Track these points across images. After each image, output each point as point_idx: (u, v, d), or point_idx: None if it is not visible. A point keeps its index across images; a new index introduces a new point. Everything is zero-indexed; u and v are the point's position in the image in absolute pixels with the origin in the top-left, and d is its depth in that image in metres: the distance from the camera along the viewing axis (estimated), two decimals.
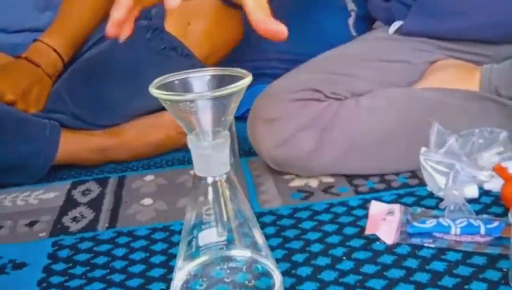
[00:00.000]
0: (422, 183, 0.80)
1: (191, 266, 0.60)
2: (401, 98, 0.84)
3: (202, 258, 0.60)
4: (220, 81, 0.52)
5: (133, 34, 0.54)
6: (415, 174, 0.83)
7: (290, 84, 0.81)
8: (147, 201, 0.83)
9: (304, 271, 0.63)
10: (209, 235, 0.58)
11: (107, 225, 0.77)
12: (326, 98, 0.82)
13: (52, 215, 0.81)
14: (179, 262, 0.58)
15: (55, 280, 0.65)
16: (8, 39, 1.00)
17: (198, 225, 0.57)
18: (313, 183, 0.83)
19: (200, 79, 0.52)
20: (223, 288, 0.58)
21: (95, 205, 0.83)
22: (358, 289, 0.60)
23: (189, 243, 0.58)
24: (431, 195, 0.77)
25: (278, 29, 0.47)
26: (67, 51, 0.99)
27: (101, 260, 0.69)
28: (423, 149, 0.77)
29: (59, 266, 0.68)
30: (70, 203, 0.84)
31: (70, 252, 0.71)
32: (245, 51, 1.06)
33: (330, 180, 0.84)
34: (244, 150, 0.97)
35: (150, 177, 0.90)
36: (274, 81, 0.85)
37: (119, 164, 0.96)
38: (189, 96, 0.49)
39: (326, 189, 0.81)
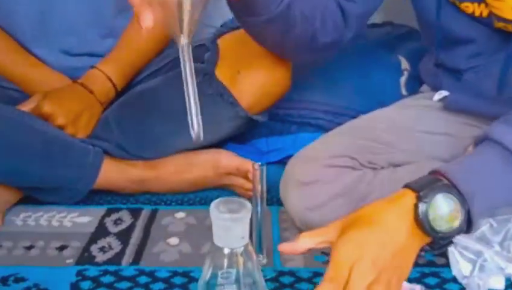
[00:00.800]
0: (449, 264, 0.78)
1: None
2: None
3: None
4: None
5: None
6: (444, 253, 0.81)
7: (324, 149, 0.82)
8: (173, 241, 0.85)
9: None
10: None
11: (130, 261, 0.79)
12: (362, 166, 0.82)
13: (82, 241, 0.84)
14: None
15: None
16: (70, 62, 1.04)
17: (213, 287, 0.58)
18: None
19: None
20: None
21: (124, 236, 0.86)
22: None
23: None
24: (455, 279, 0.75)
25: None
26: (121, 80, 1.03)
27: None
28: None
29: None
30: (101, 231, 0.87)
31: (91, 285, 0.74)
32: (290, 98, 1.07)
33: None
34: (277, 198, 0.97)
35: (181, 215, 0.92)
36: (311, 143, 0.85)
37: (154, 195, 0.99)
38: None
39: None
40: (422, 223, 0.57)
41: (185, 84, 0.56)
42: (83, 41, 1.05)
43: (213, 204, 0.53)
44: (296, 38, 0.81)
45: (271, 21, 0.76)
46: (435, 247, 0.59)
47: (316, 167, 0.79)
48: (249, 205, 0.54)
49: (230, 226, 0.52)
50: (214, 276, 0.56)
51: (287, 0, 0.75)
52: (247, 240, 0.54)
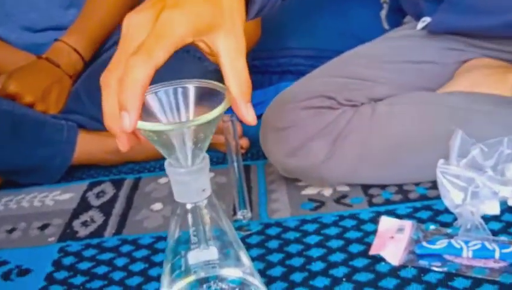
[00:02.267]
0: (441, 196, 0.75)
1: (181, 284, 0.59)
2: (421, 103, 0.79)
3: (193, 277, 0.59)
4: (200, 95, 0.49)
5: None
6: (436, 185, 0.78)
7: (300, 92, 0.78)
8: (157, 206, 0.82)
9: None
10: (200, 254, 0.57)
11: (113, 231, 0.77)
12: (340, 105, 0.78)
13: (64, 218, 0.82)
14: (165, 281, 0.57)
15: (54, 289, 0.66)
16: (33, 38, 1.00)
17: (185, 244, 0.55)
18: (327, 192, 0.80)
19: (172, 94, 0.49)
20: None
21: (107, 208, 0.83)
22: None
23: (176, 262, 0.57)
24: (449, 210, 0.72)
25: (248, 119, 0.44)
26: (88, 51, 0.99)
27: (101, 269, 0.69)
28: (441, 161, 0.72)
29: (61, 275, 0.69)
30: (83, 205, 0.85)
31: (74, 260, 0.72)
32: (268, 48, 1.03)
33: (345, 189, 0.80)
34: (262, 151, 0.95)
35: (164, 180, 0.90)
36: (286, 89, 0.82)
37: (137, 164, 0.96)
38: (158, 126, 0.46)
39: (339, 199, 0.78)
40: None
41: None
42: (44, 15, 1.01)
43: (167, 161, 0.50)
44: None
45: None
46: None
47: (292, 111, 0.76)
48: (206, 155, 0.50)
49: (188, 180, 0.49)
50: (184, 234, 0.54)
51: None
52: (209, 192, 0.51)
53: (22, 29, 1.00)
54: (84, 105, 0.92)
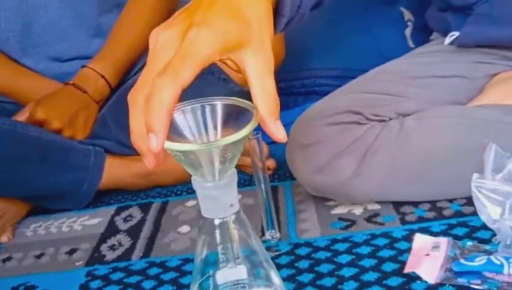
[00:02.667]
0: (477, 212, 0.72)
1: None
2: (452, 117, 0.77)
3: None
4: (227, 114, 0.49)
5: None
6: (471, 201, 0.75)
7: (327, 108, 0.77)
8: (184, 229, 0.81)
9: None
10: (229, 273, 0.55)
11: (141, 255, 0.76)
12: (368, 120, 0.76)
13: (91, 243, 0.81)
14: None
15: None
16: (61, 68, 1.01)
17: (213, 264, 0.54)
18: (357, 210, 0.78)
19: (200, 112, 0.48)
20: None
21: (134, 232, 0.83)
22: None
23: (204, 282, 0.55)
24: (486, 226, 0.69)
25: (278, 136, 0.43)
26: (114, 77, 1.00)
27: None
28: (475, 175, 0.70)
29: None
30: (111, 230, 0.85)
31: (101, 283, 0.71)
32: (292, 69, 1.02)
33: (376, 207, 0.78)
34: (290, 173, 0.93)
35: (191, 203, 0.89)
36: (312, 105, 0.81)
37: (164, 188, 0.96)
38: (186, 146, 0.45)
39: (371, 217, 0.76)
40: None
41: None
42: (71, 45, 1.02)
43: (194, 175, 0.49)
44: None
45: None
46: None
47: (318, 127, 0.74)
48: (234, 170, 0.49)
49: (216, 195, 0.48)
50: (212, 254, 0.53)
51: None
52: (237, 207, 0.50)
53: (49, 60, 1.02)
54: (111, 130, 0.93)
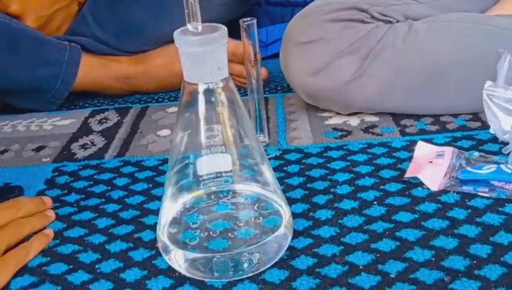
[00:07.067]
0: (484, 127, 0.67)
1: (187, 198, 0.51)
2: (464, 23, 0.70)
3: (201, 191, 0.51)
4: None
5: None
6: (478, 116, 0.69)
7: (329, 3, 0.69)
8: (164, 132, 0.74)
9: (324, 214, 0.53)
10: (213, 163, 0.49)
11: (115, 154, 0.69)
12: (374, 19, 0.69)
13: (61, 141, 0.74)
14: (169, 192, 0.49)
15: None
16: None
17: (194, 147, 0.47)
18: (353, 121, 0.72)
19: None
20: (224, 224, 0.48)
21: (109, 133, 0.76)
22: (387, 238, 0.49)
23: (183, 170, 0.49)
24: (494, 140, 0.64)
25: None
26: None
27: (99, 188, 0.61)
28: (488, 83, 0.63)
29: (53, 193, 0.61)
30: (84, 130, 0.77)
31: (69, 179, 0.64)
32: None
33: (374, 119, 0.72)
34: (282, 86, 0.87)
35: (173, 109, 0.82)
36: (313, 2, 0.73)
37: (144, 94, 0.89)
38: None
39: (368, 128, 0.70)
40: None
41: None
42: None
43: (177, 30, 0.42)
44: None
45: None
46: None
47: (318, 23, 0.67)
48: (224, 27, 0.42)
49: (201, 53, 0.41)
50: (193, 134, 0.46)
51: None
52: (226, 73, 0.43)
53: None
54: (89, 26, 0.85)
